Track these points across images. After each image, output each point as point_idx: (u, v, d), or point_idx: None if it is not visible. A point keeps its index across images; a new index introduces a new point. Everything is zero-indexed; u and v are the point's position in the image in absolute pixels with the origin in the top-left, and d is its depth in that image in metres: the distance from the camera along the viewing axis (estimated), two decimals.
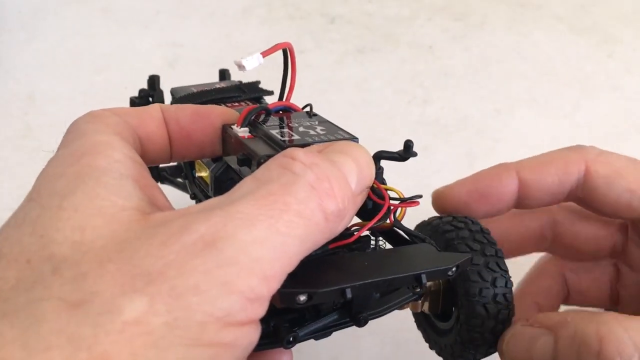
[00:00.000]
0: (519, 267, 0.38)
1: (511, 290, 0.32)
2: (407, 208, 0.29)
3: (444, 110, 0.67)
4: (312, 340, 0.28)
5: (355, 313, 0.28)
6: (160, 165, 0.48)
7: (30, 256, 0.21)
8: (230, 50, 0.74)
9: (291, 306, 0.24)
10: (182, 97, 0.39)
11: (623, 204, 0.35)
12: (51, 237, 0.21)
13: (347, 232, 0.28)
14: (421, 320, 0.37)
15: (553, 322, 0.31)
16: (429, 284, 0.32)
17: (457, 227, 0.34)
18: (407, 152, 0.29)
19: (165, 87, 0.49)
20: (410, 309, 0.34)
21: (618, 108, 0.66)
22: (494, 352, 0.33)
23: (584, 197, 0.36)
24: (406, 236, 0.30)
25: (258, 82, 0.40)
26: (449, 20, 0.77)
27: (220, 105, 0.34)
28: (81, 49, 0.74)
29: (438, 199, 0.38)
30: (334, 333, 0.29)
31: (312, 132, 0.29)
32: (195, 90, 0.40)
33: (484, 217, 0.37)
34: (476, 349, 0.33)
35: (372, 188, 0.28)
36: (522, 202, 0.37)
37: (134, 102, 0.46)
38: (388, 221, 0.29)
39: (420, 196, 0.29)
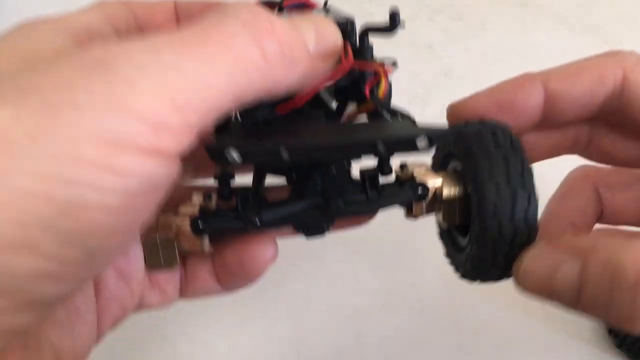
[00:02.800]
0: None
1: (535, 210, 0.27)
2: (388, 84, 0.27)
3: (444, 110, 0.67)
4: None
5: (328, 199, 0.26)
6: None
7: None
8: None
9: (224, 163, 0.22)
10: None
11: None
12: None
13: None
14: (443, 232, 0.33)
15: (582, 246, 0.26)
16: (445, 192, 0.29)
17: (481, 130, 0.29)
18: (392, 23, 0.28)
19: None
20: (413, 213, 0.30)
21: None
22: (508, 277, 0.29)
23: (619, 109, 0.32)
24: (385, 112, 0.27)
25: None
26: (449, 20, 0.77)
27: None
28: None
29: (452, 113, 0.34)
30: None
31: None
32: None
33: None
34: (485, 273, 0.29)
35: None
36: (547, 116, 0.33)
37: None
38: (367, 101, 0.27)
39: (395, 63, 0.27)
